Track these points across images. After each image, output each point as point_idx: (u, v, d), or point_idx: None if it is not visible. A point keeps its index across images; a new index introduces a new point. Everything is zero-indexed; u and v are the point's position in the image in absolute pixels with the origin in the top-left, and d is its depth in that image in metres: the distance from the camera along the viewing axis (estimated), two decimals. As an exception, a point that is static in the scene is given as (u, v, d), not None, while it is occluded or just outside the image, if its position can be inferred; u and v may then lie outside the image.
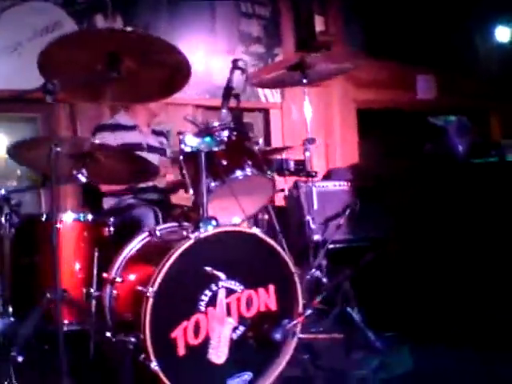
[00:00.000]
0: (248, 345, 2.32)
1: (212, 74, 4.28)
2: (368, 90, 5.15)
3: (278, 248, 2.41)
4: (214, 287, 2.26)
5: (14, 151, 2.44)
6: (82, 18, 3.83)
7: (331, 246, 4.02)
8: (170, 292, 2.16)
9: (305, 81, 2.92)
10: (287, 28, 4.71)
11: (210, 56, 4.20)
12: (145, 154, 3.16)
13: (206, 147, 2.41)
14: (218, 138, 2.47)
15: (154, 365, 2.09)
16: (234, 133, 2.57)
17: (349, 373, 2.69)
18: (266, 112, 4.77)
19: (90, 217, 2.72)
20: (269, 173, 2.61)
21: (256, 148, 2.66)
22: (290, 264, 2.43)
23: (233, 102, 2.83)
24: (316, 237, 4.09)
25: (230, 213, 2.70)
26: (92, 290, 2.59)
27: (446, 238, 3.78)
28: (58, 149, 2.13)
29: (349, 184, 4.32)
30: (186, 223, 2.59)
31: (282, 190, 3.11)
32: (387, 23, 5.11)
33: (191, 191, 2.42)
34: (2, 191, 2.56)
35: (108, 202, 3.36)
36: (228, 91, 2.64)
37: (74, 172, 2.46)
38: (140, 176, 2.70)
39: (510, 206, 3.30)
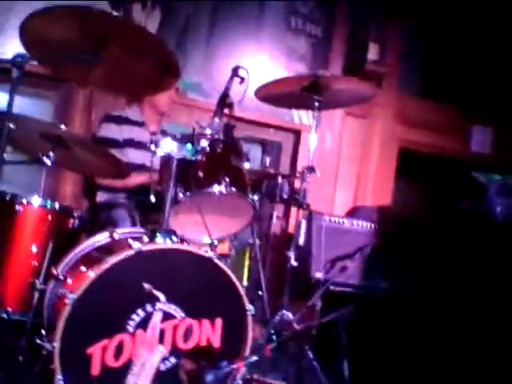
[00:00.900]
0: (175, 380, 2.05)
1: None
2: (415, 130, 4.77)
3: (234, 279, 2.13)
4: (149, 308, 2.01)
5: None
6: (118, 4, 3.72)
7: (333, 288, 3.75)
8: (95, 303, 1.93)
9: (317, 104, 2.62)
10: (337, 50, 4.42)
11: (248, 64, 3.97)
12: (143, 153, 2.99)
13: (179, 154, 2.18)
14: (198, 147, 2.24)
15: (58, 378, 1.87)
16: (220, 145, 2.33)
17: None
18: (296, 134, 4.50)
19: (57, 205, 2.54)
20: (250, 196, 2.35)
21: (244, 166, 2.40)
22: (245, 300, 2.15)
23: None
24: (318, 274, 3.79)
25: (203, 230, 2.47)
26: (37, 282, 2.40)
27: (471, 299, 3.40)
28: (12, 126, 1.94)
29: (371, 225, 3.98)
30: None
31: (277, 217, 2.82)
32: (447, 63, 4.71)
33: (153, 198, 2.20)
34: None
35: (103, 196, 3.20)
36: (223, 99, 2.41)
37: (40, 154, 2.32)
38: (111, 173, 2.50)
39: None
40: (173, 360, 2.05)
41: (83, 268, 2.16)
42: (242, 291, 2.13)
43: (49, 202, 2.54)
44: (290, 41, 4.26)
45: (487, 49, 4.69)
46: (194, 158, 2.22)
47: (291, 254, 2.55)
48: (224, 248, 2.76)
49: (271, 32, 4.21)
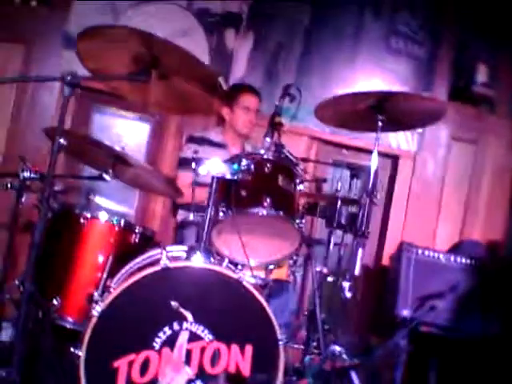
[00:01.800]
0: (200, 405, 2.00)
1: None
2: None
3: (266, 306, 2.03)
4: (176, 326, 1.99)
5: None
6: (212, 30, 3.82)
7: (420, 329, 3.44)
8: (122, 317, 1.96)
9: (380, 124, 2.44)
10: (442, 72, 4.08)
11: (343, 89, 3.86)
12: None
13: (219, 173, 2.16)
14: (242, 167, 2.21)
15: (83, 387, 1.92)
16: (269, 165, 2.26)
17: None
18: (394, 160, 4.25)
19: (122, 222, 2.64)
20: (297, 221, 2.24)
21: (292, 187, 2.31)
22: (277, 329, 2.03)
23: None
24: (404, 312, 3.50)
25: (252, 252, 2.40)
26: (95, 294, 2.50)
27: None
28: (63, 141, 2.06)
29: (471, 262, 3.62)
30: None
31: (335, 244, 2.65)
32: None
33: (191, 216, 2.19)
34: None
35: (183, 215, 3.30)
36: (273, 118, 2.35)
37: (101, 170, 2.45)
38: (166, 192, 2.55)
39: None
40: (199, 383, 2.00)
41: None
42: (274, 320, 2.02)
43: (115, 217, 2.65)
44: (389, 63, 4.07)
45: None
46: (235, 178, 2.18)
47: (345, 285, 2.37)
48: (281, 273, 2.66)
49: (369, 54, 4.05)
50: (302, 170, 3.00)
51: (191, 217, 2.30)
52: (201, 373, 2.00)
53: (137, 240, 2.64)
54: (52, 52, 3.50)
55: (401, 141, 4.16)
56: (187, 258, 2.12)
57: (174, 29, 3.73)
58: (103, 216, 2.62)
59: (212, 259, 2.14)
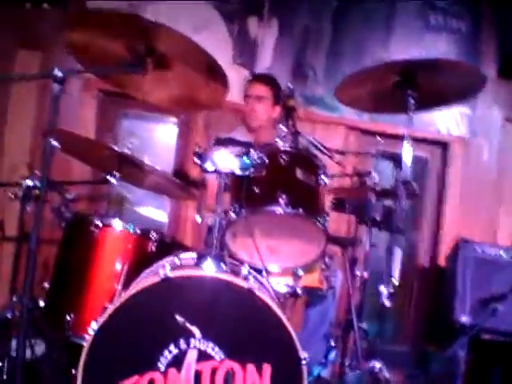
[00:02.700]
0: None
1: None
2: None
3: (284, 319, 1.75)
4: (182, 344, 1.75)
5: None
6: (233, 19, 3.58)
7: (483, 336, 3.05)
8: (121, 334, 1.74)
9: (412, 101, 2.10)
10: (489, 47, 3.68)
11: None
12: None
13: (226, 169, 1.90)
14: (254, 160, 1.94)
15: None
16: (284, 157, 1.99)
17: None
18: (443, 147, 3.86)
19: (138, 230, 2.44)
20: (320, 219, 1.95)
21: (316, 181, 2.02)
22: (298, 345, 1.75)
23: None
24: (463, 318, 3.12)
25: (274, 256, 2.14)
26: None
27: None
28: (55, 142, 1.87)
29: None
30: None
31: (372, 245, 2.32)
32: None
33: (198, 218, 1.94)
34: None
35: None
36: (286, 102, 2.07)
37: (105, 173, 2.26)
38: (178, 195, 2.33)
39: None
40: (211, 409, 1.75)
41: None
42: (294, 335, 1.74)
43: (131, 225, 2.45)
44: (429, 41, 3.70)
45: None
46: (247, 173, 1.92)
47: (383, 291, 2.05)
48: (313, 280, 2.37)
49: (405, 33, 3.70)
50: (337, 162, 2.71)
51: (211, 220, 2.07)
52: (213, 397, 1.75)
53: (153, 248, 2.44)
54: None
55: (450, 126, 3.77)
56: (195, 266, 1.88)
57: (194, 22, 3.52)
58: (118, 224, 2.43)
59: (224, 266, 1.88)
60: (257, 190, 1.94)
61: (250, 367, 1.76)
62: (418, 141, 3.78)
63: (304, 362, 1.74)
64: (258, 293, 1.75)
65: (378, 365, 2.09)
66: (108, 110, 3.64)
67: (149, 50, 1.98)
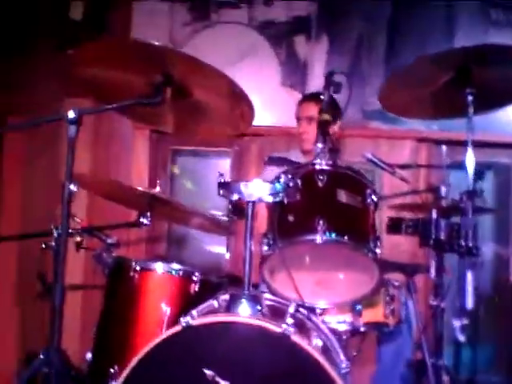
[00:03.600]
0: None
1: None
2: None
3: (329, 368, 1.47)
4: (215, 403, 1.52)
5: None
6: (279, 41, 3.39)
7: None
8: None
9: (470, 98, 1.76)
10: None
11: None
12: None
13: (252, 197, 1.69)
14: (286, 185, 1.71)
15: None
16: (322, 177, 1.74)
17: None
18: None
19: (181, 271, 2.27)
20: (368, 245, 1.67)
21: (363, 202, 1.75)
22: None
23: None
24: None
25: (330, 291, 1.88)
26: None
27: None
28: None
29: None
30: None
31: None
32: None
33: (227, 255, 1.72)
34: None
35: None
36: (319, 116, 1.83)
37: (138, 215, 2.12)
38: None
39: None
40: None
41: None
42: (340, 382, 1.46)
43: (173, 267, 2.29)
44: (492, 37, 3.32)
45: None
46: (278, 199, 1.69)
47: (456, 324, 1.71)
48: (376, 314, 2.07)
49: (467, 31, 3.35)
50: (400, 178, 2.43)
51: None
52: None
53: (196, 288, 2.25)
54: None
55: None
56: (226, 310, 1.66)
57: (239, 49, 3.39)
58: (159, 267, 2.27)
59: (259, 307, 1.65)
60: (291, 218, 1.70)
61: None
62: (498, 146, 3.39)
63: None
64: (294, 338, 1.49)
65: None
66: (160, 148, 3.57)
67: (166, 79, 1.84)
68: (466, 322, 1.71)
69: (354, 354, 2.14)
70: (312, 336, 1.85)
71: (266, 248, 1.72)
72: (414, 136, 3.38)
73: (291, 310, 1.76)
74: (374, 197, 1.80)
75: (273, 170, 2.68)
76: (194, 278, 2.24)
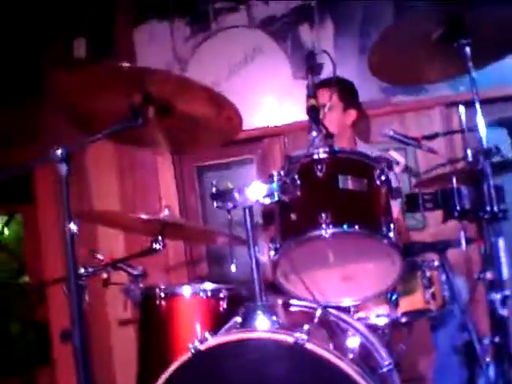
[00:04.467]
0: None
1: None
2: None
3: (352, 372, 1.33)
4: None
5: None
6: (284, 34, 3.25)
7: None
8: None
9: (468, 49, 1.56)
10: None
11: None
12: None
13: (247, 201, 1.58)
14: (282, 182, 1.59)
15: None
16: (321, 167, 1.61)
17: None
18: None
19: (209, 292, 2.18)
20: (383, 231, 1.52)
21: (370, 184, 1.61)
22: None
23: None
24: None
25: (356, 286, 1.74)
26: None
27: None
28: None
29: None
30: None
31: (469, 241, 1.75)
32: None
33: (233, 267, 1.61)
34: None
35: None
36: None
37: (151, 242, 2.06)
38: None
39: None
40: None
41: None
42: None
43: (201, 288, 2.20)
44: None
45: None
46: (275, 199, 1.57)
47: (495, 297, 1.52)
48: (415, 301, 1.89)
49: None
50: (427, 150, 2.22)
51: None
52: None
53: (224, 305, 2.16)
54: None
55: None
56: (242, 325, 1.55)
57: (245, 52, 3.30)
58: (187, 291, 2.20)
59: (275, 318, 1.52)
60: (293, 217, 1.58)
61: None
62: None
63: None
64: (309, 346, 1.36)
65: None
66: (185, 168, 3.52)
67: (146, 98, 1.77)
68: (507, 293, 1.52)
69: (403, 347, 1.97)
70: (347, 337, 1.73)
71: (272, 253, 1.60)
72: (442, 102, 3.15)
73: (318, 313, 1.65)
74: (383, 177, 1.65)
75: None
76: (222, 296, 2.16)
